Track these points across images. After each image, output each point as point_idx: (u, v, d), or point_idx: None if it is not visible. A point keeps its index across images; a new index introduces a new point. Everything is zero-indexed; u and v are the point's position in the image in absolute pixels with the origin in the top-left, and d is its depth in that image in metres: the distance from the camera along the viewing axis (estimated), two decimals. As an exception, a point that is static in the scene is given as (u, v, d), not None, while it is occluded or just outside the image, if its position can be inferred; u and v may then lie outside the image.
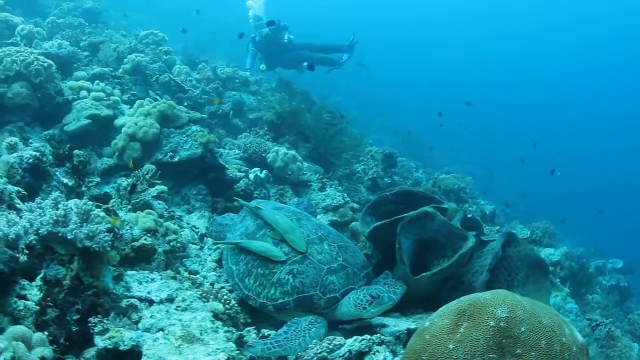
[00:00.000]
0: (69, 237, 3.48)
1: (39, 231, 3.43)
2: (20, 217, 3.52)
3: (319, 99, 12.56)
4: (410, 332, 4.18)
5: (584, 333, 6.15)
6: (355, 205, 7.81)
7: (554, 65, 47.55)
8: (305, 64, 10.35)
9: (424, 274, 4.48)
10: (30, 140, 6.37)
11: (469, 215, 5.41)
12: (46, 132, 6.72)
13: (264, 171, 7.22)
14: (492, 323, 2.37)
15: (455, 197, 10.07)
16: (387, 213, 5.15)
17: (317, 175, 8.27)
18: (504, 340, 2.34)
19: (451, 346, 2.38)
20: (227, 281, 4.93)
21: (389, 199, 5.27)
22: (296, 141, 9.19)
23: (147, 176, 6.13)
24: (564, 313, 6.76)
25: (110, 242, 3.80)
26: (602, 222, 20.71)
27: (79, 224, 3.58)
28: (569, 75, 46.38)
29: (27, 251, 3.35)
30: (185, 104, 8.77)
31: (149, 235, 4.96)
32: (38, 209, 3.62)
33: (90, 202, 3.90)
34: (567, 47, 48.25)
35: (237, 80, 11.27)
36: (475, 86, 40.78)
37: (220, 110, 9.74)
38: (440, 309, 2.68)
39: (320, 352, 3.83)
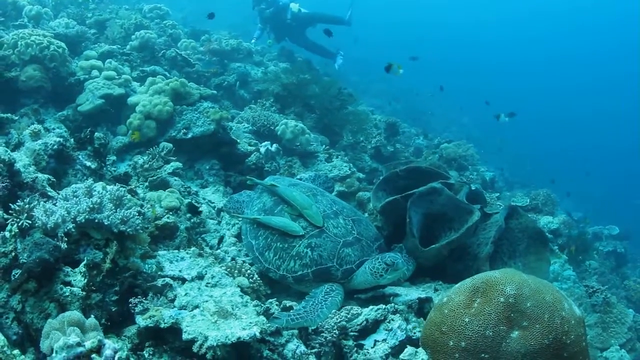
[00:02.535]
0: (105, 223, 3.72)
1: (77, 219, 3.66)
2: (56, 205, 3.76)
3: (321, 67, 12.76)
4: (421, 301, 4.50)
5: (581, 300, 6.44)
6: (361, 175, 8.03)
7: (550, 29, 47.28)
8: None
9: (432, 245, 4.77)
10: (45, 123, 6.60)
11: (473, 188, 5.69)
12: (60, 113, 6.92)
13: (274, 145, 7.44)
14: (502, 299, 2.67)
15: (456, 165, 10.31)
16: (398, 188, 5.43)
17: (324, 146, 8.50)
18: (512, 315, 2.65)
19: (467, 319, 2.69)
20: (247, 255, 5.22)
21: (399, 175, 5.54)
22: (302, 112, 9.40)
23: (162, 153, 6.35)
24: (562, 280, 7.03)
25: (141, 225, 4.08)
26: (599, 186, 21.06)
27: (113, 210, 3.83)
28: (563, 36, 46.24)
29: (65, 238, 3.60)
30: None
31: (171, 213, 5.21)
32: (73, 197, 3.85)
33: (123, 188, 4.15)
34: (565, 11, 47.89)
35: (241, 52, 11.41)
36: (474, 46, 40.79)
37: (226, 82, 9.92)
38: (456, 285, 2.97)
39: (340, 322, 4.13)
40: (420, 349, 3.48)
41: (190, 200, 5.64)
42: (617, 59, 44.21)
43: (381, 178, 5.77)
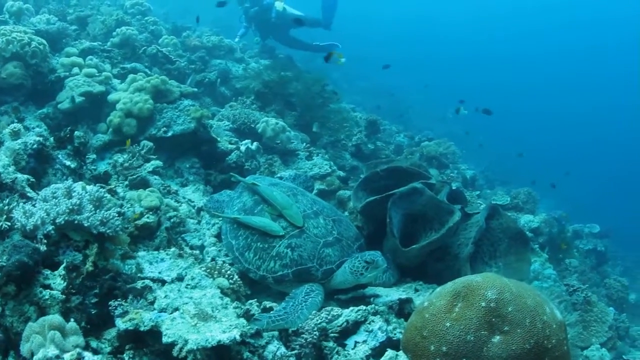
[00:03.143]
0: (85, 225, 3.70)
1: (56, 220, 3.63)
2: (35, 207, 3.73)
3: (302, 64, 12.74)
4: (401, 302, 4.50)
5: (562, 299, 6.49)
6: (342, 174, 8.02)
7: (536, 24, 47.54)
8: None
9: (413, 246, 4.79)
10: (26, 121, 6.53)
11: (454, 188, 5.72)
12: (40, 111, 6.87)
13: (254, 143, 7.40)
14: (483, 304, 2.68)
15: (437, 163, 10.33)
16: (378, 188, 5.44)
17: (304, 144, 8.49)
18: (493, 319, 2.66)
19: (448, 324, 2.70)
20: (227, 255, 5.19)
21: (380, 175, 5.55)
22: (282, 110, 9.38)
23: (142, 152, 6.31)
24: (543, 279, 7.08)
25: (121, 226, 4.05)
26: (581, 185, 21.25)
27: (93, 211, 3.80)
28: (550, 32, 46.55)
29: (45, 240, 3.57)
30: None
31: (151, 213, 5.18)
32: (53, 198, 3.82)
33: (102, 189, 4.12)
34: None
35: (222, 49, 11.35)
36: (458, 42, 40.94)
37: (207, 79, 9.88)
38: (437, 290, 2.98)
39: (320, 323, 4.11)
40: (400, 352, 3.48)
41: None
42: (606, 55, 44.61)
43: (362, 178, 5.79)
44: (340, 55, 8.32)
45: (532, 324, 2.64)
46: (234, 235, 5.09)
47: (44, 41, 7.19)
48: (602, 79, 41.79)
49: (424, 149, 10.53)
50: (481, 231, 4.95)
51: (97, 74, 7.33)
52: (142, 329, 3.35)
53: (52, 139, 5.24)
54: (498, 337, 2.63)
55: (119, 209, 4.31)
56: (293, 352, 3.96)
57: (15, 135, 4.97)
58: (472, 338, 2.63)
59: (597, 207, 18.18)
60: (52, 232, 3.61)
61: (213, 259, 5.04)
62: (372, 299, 4.60)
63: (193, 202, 6.28)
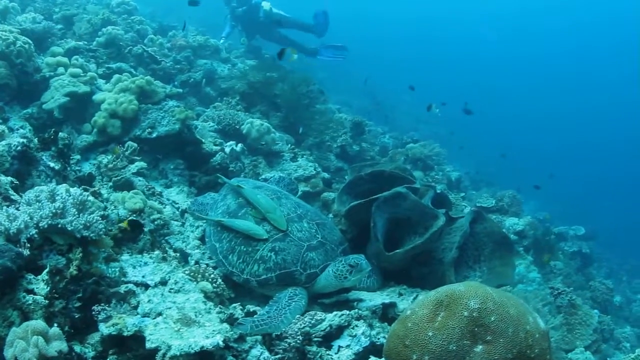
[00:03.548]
0: (68, 229, 3.68)
1: (39, 224, 3.61)
2: (18, 210, 3.70)
3: (288, 64, 12.69)
4: (385, 306, 4.53)
5: (546, 302, 6.53)
6: (327, 176, 8.02)
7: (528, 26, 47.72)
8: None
9: (397, 250, 4.81)
10: (10, 121, 6.49)
11: (439, 191, 5.74)
12: (25, 111, 6.83)
13: (239, 144, 7.39)
14: (465, 313, 2.69)
15: (422, 165, 10.35)
16: (363, 192, 5.46)
17: (289, 145, 8.48)
18: (476, 329, 2.67)
19: (430, 333, 2.70)
20: (210, 258, 5.19)
21: (364, 179, 5.57)
22: (267, 110, 9.38)
23: (126, 153, 6.28)
24: (527, 282, 7.15)
25: (104, 230, 4.04)
26: (566, 186, 21.39)
27: (76, 215, 3.78)
28: (535, 35, 46.75)
29: (28, 244, 3.55)
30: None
31: (135, 215, 5.15)
32: (36, 202, 3.79)
33: (86, 192, 4.09)
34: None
35: (208, 49, 11.32)
36: (447, 42, 41.02)
37: (192, 79, 9.84)
38: (420, 298, 2.99)
39: (304, 327, 4.13)
40: (383, 359, 3.50)
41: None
42: (592, 57, 44.85)
43: (346, 181, 5.80)
44: (293, 51, 8.30)
45: (515, 334, 2.66)
46: (218, 238, 5.09)
47: (29, 40, 7.15)
48: (590, 81, 42.03)
49: (409, 151, 10.54)
50: (465, 236, 4.97)
51: (82, 74, 7.29)
52: (125, 334, 3.35)
53: (36, 140, 5.21)
54: (480, 347, 2.64)
55: (102, 212, 4.31)
56: (277, 356, 3.97)
57: (-1, 137, 4.93)
58: (454, 348, 2.64)
59: (582, 208, 18.31)
60: (36, 235, 3.59)
61: (197, 262, 5.05)
62: (355, 304, 4.62)
63: (177, 203, 6.27)
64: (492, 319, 2.67)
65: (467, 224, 5.02)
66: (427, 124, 17.52)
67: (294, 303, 4.47)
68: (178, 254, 5.08)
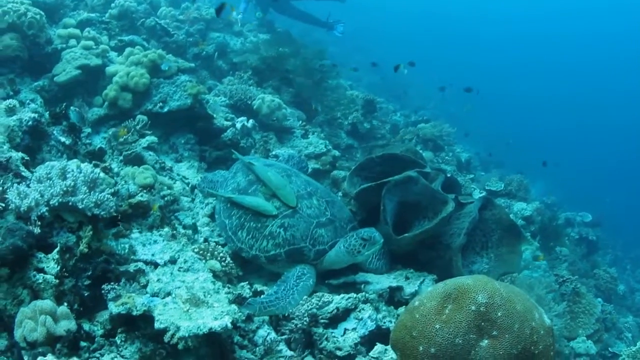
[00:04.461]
0: (79, 207, 3.71)
1: (50, 202, 3.64)
2: (29, 187, 3.72)
3: (300, 37, 12.63)
4: (392, 289, 4.56)
5: (551, 288, 6.55)
6: (337, 153, 8.00)
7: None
8: None
9: (405, 234, 4.82)
10: (21, 93, 6.51)
11: (449, 175, 5.73)
12: (36, 83, 6.83)
13: (250, 120, 7.39)
14: (473, 307, 2.70)
15: (432, 145, 10.32)
16: (373, 174, 5.45)
17: (300, 121, 8.46)
18: (482, 323, 2.68)
19: (437, 326, 2.72)
20: (220, 235, 5.21)
21: (375, 161, 5.55)
22: (279, 86, 9.32)
23: (137, 127, 6.29)
24: (533, 268, 7.16)
25: (115, 207, 4.06)
26: (575, 170, 21.31)
27: (87, 193, 3.81)
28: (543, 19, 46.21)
29: (39, 222, 3.58)
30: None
31: (145, 191, 5.17)
32: (47, 179, 3.81)
33: (97, 170, 4.11)
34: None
35: (220, 22, 11.24)
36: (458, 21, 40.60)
37: (204, 52, 9.79)
38: (429, 290, 3.00)
39: (311, 309, 4.16)
40: (389, 347, 3.53)
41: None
42: (605, 41, 44.31)
43: (357, 163, 5.79)
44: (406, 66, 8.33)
45: (521, 330, 2.67)
46: (227, 214, 5.09)
47: (40, 11, 7.10)
48: (604, 63, 41.59)
49: (420, 131, 10.48)
50: (474, 222, 4.97)
51: (94, 47, 7.27)
52: (134, 313, 3.38)
53: (47, 114, 5.21)
54: (486, 342, 2.66)
55: (112, 189, 4.33)
56: (283, 337, 4.03)
57: (11, 111, 4.94)
58: (460, 341, 2.66)
59: (591, 193, 18.26)
60: (46, 213, 3.62)
61: (206, 240, 5.07)
62: (363, 286, 4.64)
63: (187, 179, 6.28)
64: (499, 314, 2.69)
65: (476, 211, 5.01)
66: (439, 102, 17.43)
67: (302, 283, 4.48)
68: (187, 231, 5.11)
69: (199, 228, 5.37)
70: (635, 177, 26.63)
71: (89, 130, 6.39)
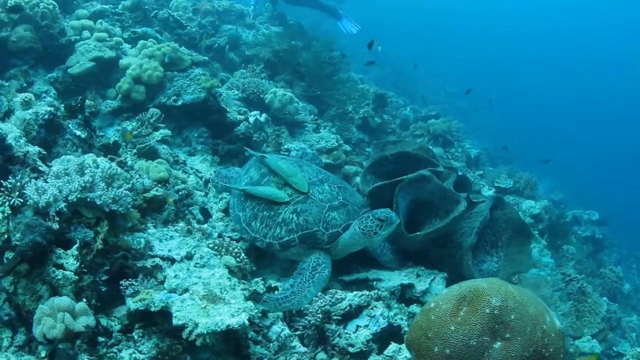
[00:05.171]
0: (98, 203, 3.76)
1: (69, 198, 3.68)
2: (47, 182, 3.77)
3: (311, 29, 12.64)
4: (403, 287, 4.62)
5: (557, 287, 6.59)
6: (348, 148, 8.05)
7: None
8: None
9: (418, 233, 4.87)
10: (35, 85, 6.58)
11: (460, 174, 5.77)
12: (50, 75, 6.89)
13: (263, 114, 7.42)
14: (487, 310, 2.76)
15: (442, 140, 10.35)
16: (387, 172, 5.51)
17: (312, 115, 8.50)
18: (496, 326, 2.74)
19: (453, 328, 2.77)
20: (234, 230, 5.28)
21: (389, 160, 5.60)
22: (292, 79, 9.36)
23: (151, 120, 6.33)
24: (541, 266, 7.21)
25: (132, 203, 4.11)
26: (582, 167, 21.28)
27: (105, 189, 3.86)
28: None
29: (57, 218, 3.62)
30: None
31: (160, 185, 5.22)
32: (65, 175, 3.86)
33: (114, 166, 4.16)
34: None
35: (233, 14, 11.28)
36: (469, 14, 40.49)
37: (217, 45, 9.82)
38: (444, 291, 3.05)
39: (324, 306, 4.22)
40: (403, 346, 3.58)
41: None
42: (613, 36, 44.14)
43: (371, 162, 5.84)
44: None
45: (533, 332, 2.72)
46: (241, 207, 5.14)
47: (53, 2, 7.16)
48: (615, 60, 41.40)
49: (431, 126, 10.51)
50: (485, 222, 5.02)
51: (107, 39, 7.32)
52: (152, 309, 3.43)
53: (62, 108, 5.26)
54: (499, 344, 2.71)
55: (129, 185, 4.37)
56: (296, 332, 4.08)
57: (27, 104, 4.98)
58: (474, 343, 2.71)
59: (599, 189, 18.26)
60: (65, 209, 3.66)
61: (220, 235, 5.12)
62: (375, 283, 4.69)
63: (200, 172, 6.35)
64: (512, 317, 2.74)
65: (487, 210, 5.06)
66: (448, 96, 17.45)
67: (317, 275, 4.49)
68: (202, 225, 5.16)
69: (213, 223, 5.42)
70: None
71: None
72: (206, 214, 5.48)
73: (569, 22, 45.01)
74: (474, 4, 43.57)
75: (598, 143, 30.46)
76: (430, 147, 6.96)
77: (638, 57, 38.92)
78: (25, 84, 6.51)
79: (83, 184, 3.74)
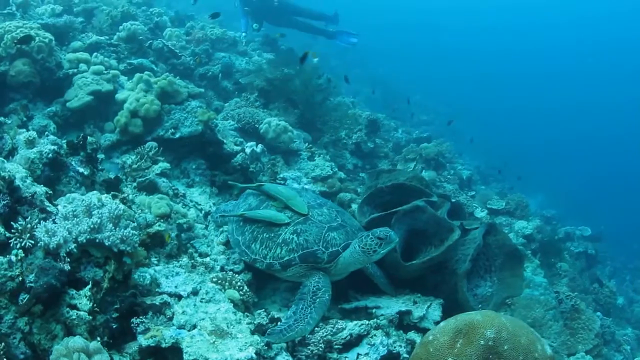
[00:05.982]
0: (106, 244, 3.90)
1: (78, 239, 3.81)
2: (56, 224, 3.90)
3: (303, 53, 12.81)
4: (401, 314, 4.76)
5: (550, 307, 6.75)
6: (343, 175, 8.21)
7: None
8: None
9: (414, 262, 5.03)
10: (34, 119, 6.74)
11: (453, 201, 5.95)
12: (49, 109, 7.03)
13: (259, 145, 7.58)
14: (482, 342, 2.93)
15: (435, 163, 10.53)
16: (383, 203, 5.69)
17: (306, 144, 8.67)
18: (490, 356, 2.91)
19: (450, 359, 2.94)
20: (234, 256, 5.40)
21: (385, 191, 5.79)
22: (286, 107, 9.51)
23: (150, 153, 6.46)
24: (534, 286, 7.35)
25: (138, 241, 4.26)
26: (574, 182, 21.49)
27: (112, 230, 4.00)
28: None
29: (67, 259, 3.75)
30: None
31: (162, 220, 5.36)
32: (73, 217, 4.00)
33: (120, 205, 4.30)
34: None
35: (225, 41, 11.48)
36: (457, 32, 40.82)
37: (210, 73, 10.00)
38: (441, 324, 3.22)
39: (326, 335, 4.37)
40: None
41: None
42: (601, 51, 44.56)
43: (367, 194, 6.00)
44: (314, 54, 8.47)
45: (525, 362, 2.90)
46: (240, 232, 5.24)
47: (48, 35, 7.32)
48: (603, 75, 41.79)
49: (423, 150, 10.68)
50: (479, 249, 5.19)
51: (104, 72, 7.46)
52: (163, 345, 3.58)
53: (65, 145, 5.39)
54: (494, 374, 2.88)
55: (133, 223, 4.51)
56: (300, 363, 4.22)
57: (30, 143, 5.10)
58: (471, 374, 2.88)
59: (591, 204, 18.45)
60: (75, 250, 3.79)
61: (222, 268, 5.25)
62: (374, 311, 4.83)
63: (200, 205, 6.47)
64: (506, 347, 2.91)
65: (481, 237, 5.23)
66: (438, 115, 17.65)
67: (318, 300, 4.56)
68: (205, 259, 5.30)
69: (215, 256, 5.52)
70: (635, 187, 26.77)
71: (102, 156, 6.56)
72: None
73: (562, 38, 45.52)
74: (465, 19, 44.06)
75: (590, 157, 30.68)
76: (424, 171, 7.13)
77: (631, 72, 39.31)
78: (25, 118, 6.65)
79: (92, 226, 3.87)
